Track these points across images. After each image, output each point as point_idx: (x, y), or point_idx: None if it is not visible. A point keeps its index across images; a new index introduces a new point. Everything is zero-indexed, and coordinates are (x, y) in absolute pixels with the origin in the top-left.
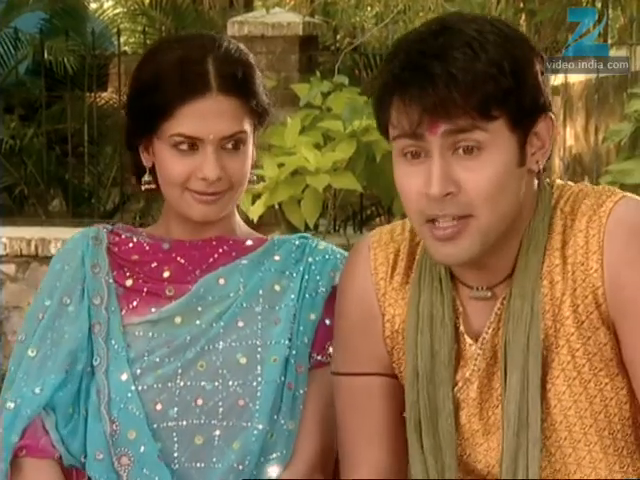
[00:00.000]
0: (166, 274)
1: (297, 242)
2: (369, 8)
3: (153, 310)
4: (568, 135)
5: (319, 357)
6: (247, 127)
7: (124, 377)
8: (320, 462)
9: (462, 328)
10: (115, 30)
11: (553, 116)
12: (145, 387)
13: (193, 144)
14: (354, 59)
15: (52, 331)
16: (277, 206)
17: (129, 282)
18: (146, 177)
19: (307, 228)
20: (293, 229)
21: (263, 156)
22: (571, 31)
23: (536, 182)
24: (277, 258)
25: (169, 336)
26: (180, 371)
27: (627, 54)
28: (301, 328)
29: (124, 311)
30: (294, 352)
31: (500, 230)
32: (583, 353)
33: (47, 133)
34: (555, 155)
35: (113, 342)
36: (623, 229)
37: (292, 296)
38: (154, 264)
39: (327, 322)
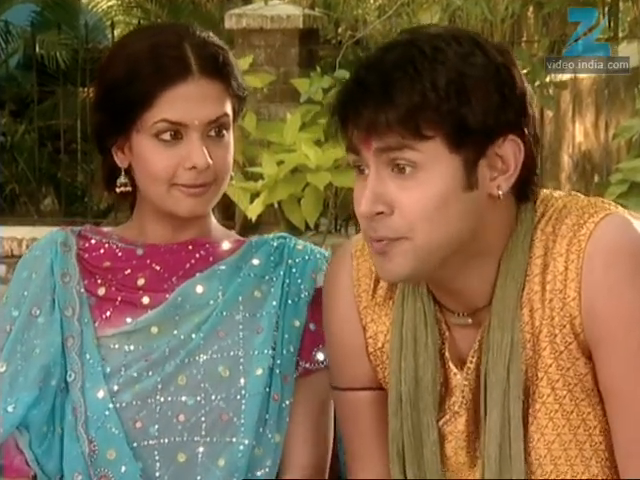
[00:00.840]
0: (141, 282)
1: (275, 243)
2: (372, 0)
3: (129, 320)
4: (577, 131)
5: (307, 365)
6: (229, 111)
7: (101, 394)
8: (316, 474)
9: (447, 354)
10: (109, 23)
11: (519, 139)
12: (123, 404)
13: (177, 132)
14: (356, 53)
15: (21, 344)
16: (276, 205)
17: (101, 291)
18: (122, 179)
19: (307, 227)
20: (293, 228)
21: (262, 153)
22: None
23: (514, 203)
24: (256, 262)
25: (146, 348)
26: (160, 386)
27: (638, 47)
28: (286, 336)
29: (97, 322)
30: (279, 362)
31: (443, 254)
32: (563, 384)
33: (39, 129)
34: (564, 152)
35: (88, 356)
36: (603, 254)
37: (274, 303)
38: (127, 271)
39: (312, 327)
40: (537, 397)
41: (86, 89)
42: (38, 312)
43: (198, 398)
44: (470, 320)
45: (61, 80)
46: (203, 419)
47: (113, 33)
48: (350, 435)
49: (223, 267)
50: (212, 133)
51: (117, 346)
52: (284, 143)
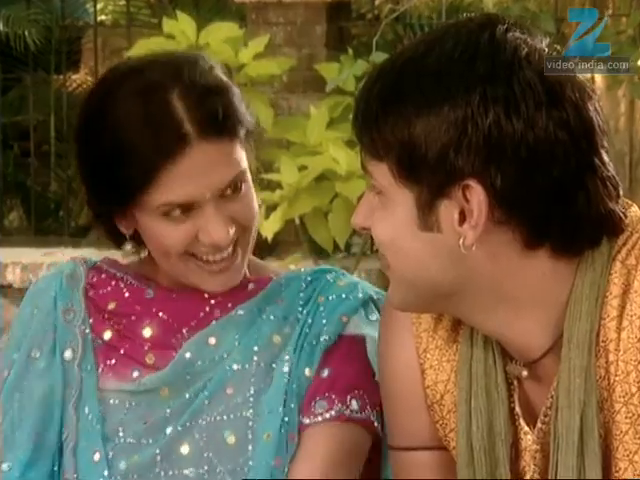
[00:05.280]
0: (147, 333)
1: (310, 278)
2: None
3: (135, 375)
4: None
5: (306, 420)
6: (243, 163)
7: (97, 457)
8: None
9: (517, 409)
10: None
11: (474, 182)
12: (118, 477)
13: (187, 208)
14: (396, 31)
15: (20, 392)
16: (298, 221)
17: (107, 335)
18: (128, 247)
19: (336, 248)
20: (318, 250)
21: (280, 156)
22: None
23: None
24: (280, 302)
25: (149, 408)
26: (159, 458)
27: None
28: (294, 386)
29: (100, 369)
30: (286, 419)
31: (430, 290)
32: None
33: (3, 127)
34: None
35: (86, 410)
36: None
37: (290, 347)
38: (133, 317)
39: (324, 374)
40: (613, 470)
41: (62, 76)
42: (38, 354)
43: (201, 471)
44: (525, 373)
45: (31, 65)
46: None
47: (95, 7)
48: None
49: (241, 312)
50: (228, 192)
51: (117, 402)
52: (307, 144)
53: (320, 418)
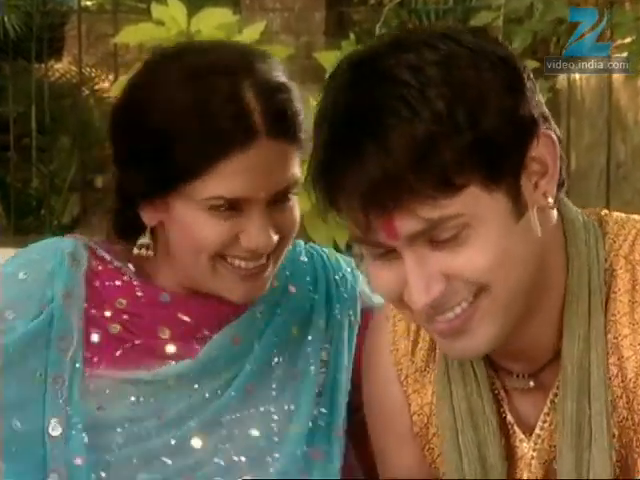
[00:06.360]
0: (165, 334)
1: (304, 258)
2: None
3: (143, 371)
4: None
5: None
6: (298, 172)
7: (79, 461)
8: None
9: (509, 418)
10: None
11: (550, 131)
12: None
13: (235, 205)
14: (400, 17)
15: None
16: None
17: (115, 328)
18: (145, 239)
19: (336, 249)
20: None
21: None
22: None
23: (554, 216)
24: (293, 290)
25: (160, 403)
26: (171, 448)
27: None
28: (336, 376)
29: (95, 359)
30: (323, 410)
31: (522, 303)
32: None
33: None
34: None
35: (69, 410)
36: None
37: (311, 338)
38: (146, 318)
39: None
40: (635, 468)
41: (43, 65)
42: (12, 316)
43: (216, 459)
44: (532, 383)
45: (10, 53)
46: None
47: None
48: None
49: (261, 307)
50: (277, 198)
51: (113, 392)
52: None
53: None
